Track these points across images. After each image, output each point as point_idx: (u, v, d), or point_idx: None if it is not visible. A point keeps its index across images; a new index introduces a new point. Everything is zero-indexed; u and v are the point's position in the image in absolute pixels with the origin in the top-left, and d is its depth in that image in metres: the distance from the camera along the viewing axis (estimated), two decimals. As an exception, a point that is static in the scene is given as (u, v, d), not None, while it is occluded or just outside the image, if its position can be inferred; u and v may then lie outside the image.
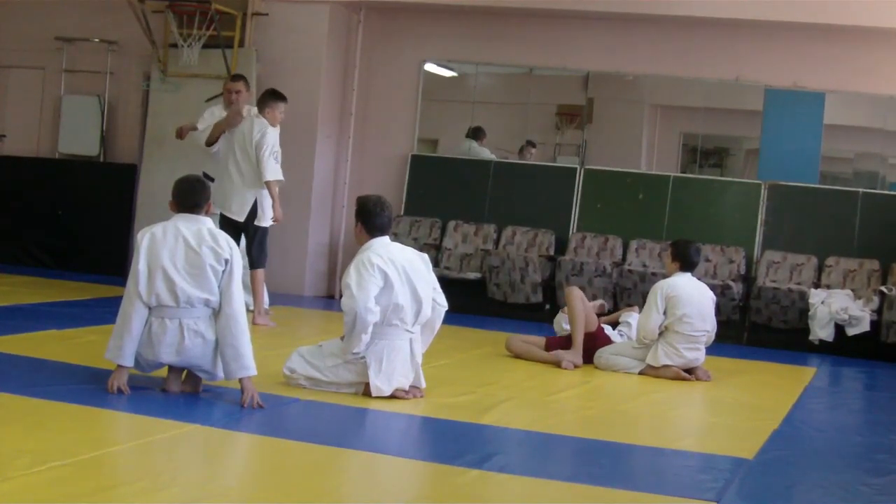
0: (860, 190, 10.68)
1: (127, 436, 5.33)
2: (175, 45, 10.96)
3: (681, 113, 11.95)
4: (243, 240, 8.82)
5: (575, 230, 11.17)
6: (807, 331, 9.90)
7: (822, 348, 9.87)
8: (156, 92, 11.41)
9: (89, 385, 5.94)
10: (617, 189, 11.23)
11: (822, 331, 9.81)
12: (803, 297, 10.00)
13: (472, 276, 11.01)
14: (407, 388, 6.35)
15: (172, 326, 5.77)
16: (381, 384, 6.22)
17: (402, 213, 11.50)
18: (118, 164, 12.06)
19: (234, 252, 5.86)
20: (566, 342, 8.15)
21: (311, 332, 9.56)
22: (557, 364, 7.96)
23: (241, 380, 5.80)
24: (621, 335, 8.41)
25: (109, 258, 11.59)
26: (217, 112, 9.32)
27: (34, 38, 12.17)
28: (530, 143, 11.87)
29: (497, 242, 11.27)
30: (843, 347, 9.84)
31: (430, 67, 11.94)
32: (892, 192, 10.76)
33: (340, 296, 6.36)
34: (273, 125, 8.87)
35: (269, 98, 8.95)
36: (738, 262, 10.61)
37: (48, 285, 10.46)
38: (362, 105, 11.78)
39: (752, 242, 10.77)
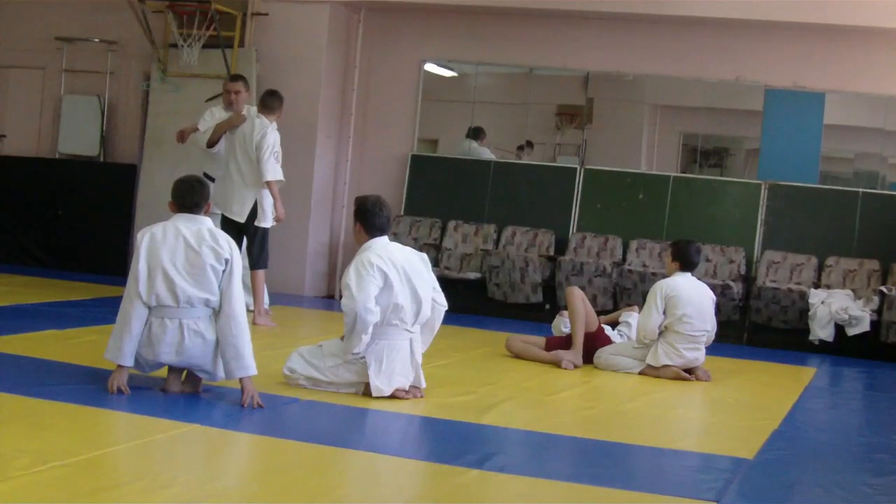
0: (860, 190, 10.68)
1: (127, 436, 5.33)
2: (175, 45, 10.96)
3: (681, 113, 11.95)
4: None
5: (575, 230, 11.17)
6: (807, 331, 9.90)
7: (822, 348, 9.87)
8: (156, 92, 11.42)
9: (89, 385, 5.94)
10: (617, 189, 11.23)
11: (822, 331, 9.81)
12: (803, 297, 10.00)
13: (472, 276, 11.01)
14: (407, 388, 6.35)
15: (172, 326, 5.77)
16: (381, 384, 6.22)
17: (402, 213, 11.50)
18: (118, 164, 12.06)
19: (234, 252, 5.86)
20: (566, 342, 8.15)
21: (311, 332, 9.56)
22: (557, 364, 7.97)
23: (241, 380, 5.81)
24: (621, 335, 8.41)
25: (109, 258, 11.60)
26: (217, 112, 9.31)
27: (34, 38, 12.18)
28: (529, 144, 11.88)
29: (497, 242, 11.27)
30: (843, 347, 9.84)
31: (430, 67, 11.93)
32: (892, 192, 10.76)
33: (340, 296, 6.36)
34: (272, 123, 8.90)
35: (277, 101, 8.98)
36: (738, 262, 10.61)
37: (48, 285, 10.46)
38: (362, 105, 11.78)
39: (752, 242, 10.77)
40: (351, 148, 11.70)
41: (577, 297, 8.16)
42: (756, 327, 10.35)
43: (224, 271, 5.80)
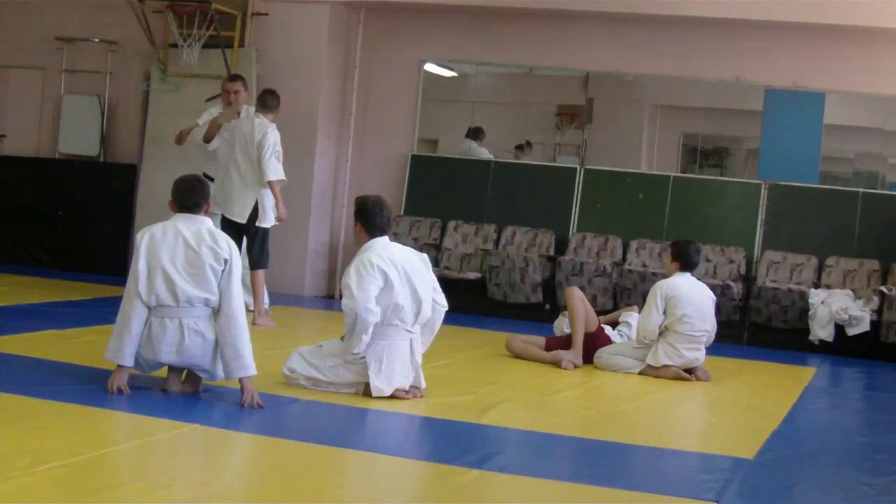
0: (860, 190, 10.68)
1: (127, 436, 5.33)
2: (175, 45, 10.96)
3: (681, 113, 11.95)
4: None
5: (575, 230, 11.17)
6: (807, 331, 9.90)
7: (822, 348, 9.87)
8: (156, 92, 11.42)
9: (89, 385, 5.94)
10: (617, 189, 11.23)
11: (822, 331, 9.81)
12: (803, 297, 10.00)
13: (472, 276, 11.01)
14: (407, 388, 6.35)
15: (172, 326, 5.77)
16: (381, 384, 6.23)
17: (402, 213, 11.50)
18: (118, 164, 12.06)
19: (234, 252, 5.86)
20: (566, 342, 8.15)
21: (311, 332, 9.56)
22: (557, 364, 7.96)
23: (240, 379, 5.81)
24: (621, 335, 8.40)
25: (109, 258, 11.60)
26: (216, 113, 9.33)
27: (34, 38, 12.17)
28: (528, 144, 11.88)
29: (497, 242, 11.27)
30: (843, 347, 9.84)
31: (430, 67, 11.93)
32: (892, 192, 10.76)
33: (340, 296, 6.36)
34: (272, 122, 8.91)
35: (276, 100, 8.98)
36: (738, 262, 10.61)
37: (48, 285, 10.46)
38: (362, 105, 11.78)
39: (752, 242, 10.77)
40: (351, 148, 11.70)
41: (577, 298, 8.17)
42: (756, 327, 10.35)
43: (223, 271, 5.80)
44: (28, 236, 12.06)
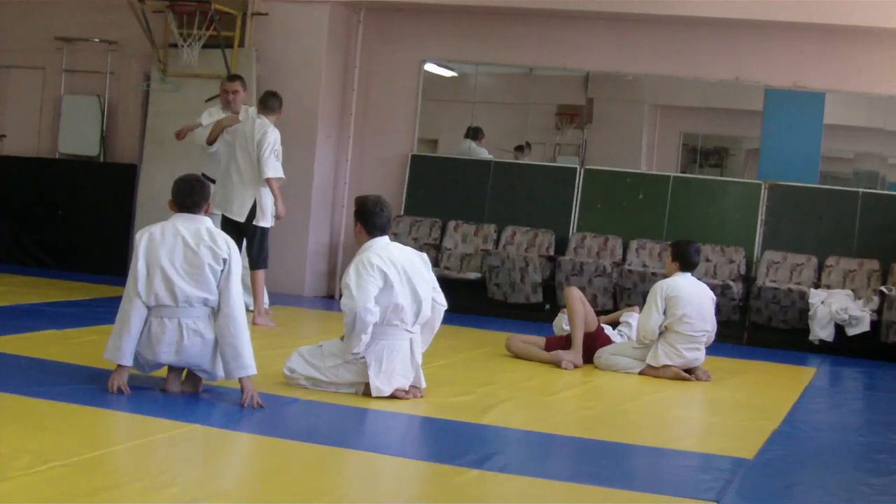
0: (860, 190, 10.67)
1: (127, 436, 5.33)
2: (175, 45, 10.96)
3: (681, 113, 11.95)
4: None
5: (575, 230, 11.17)
6: (807, 331, 9.90)
7: (822, 348, 9.87)
8: (156, 92, 11.42)
9: (89, 385, 5.94)
10: (617, 189, 11.22)
11: (822, 331, 9.81)
12: (803, 297, 10.00)
13: (472, 276, 11.01)
14: (407, 388, 6.35)
15: (171, 326, 5.77)
16: (381, 384, 6.23)
17: (402, 213, 11.50)
18: (118, 164, 12.06)
19: (233, 252, 5.86)
20: (566, 342, 8.15)
21: (311, 332, 9.56)
22: (557, 364, 7.97)
23: (240, 379, 5.80)
24: (621, 335, 8.40)
25: (109, 258, 11.60)
26: (215, 113, 9.34)
27: (34, 38, 12.18)
28: (527, 144, 11.88)
29: (497, 242, 11.27)
30: (843, 347, 9.84)
31: (430, 67, 11.93)
32: (892, 192, 10.76)
33: (340, 296, 6.36)
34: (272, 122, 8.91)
35: (277, 102, 8.98)
36: (738, 262, 10.61)
37: (48, 285, 10.46)
38: (362, 105, 11.78)
39: (752, 242, 10.77)
40: (351, 148, 11.70)
41: (576, 298, 8.17)
42: (756, 327, 10.35)
43: (222, 271, 5.79)
44: (28, 236, 12.06)
